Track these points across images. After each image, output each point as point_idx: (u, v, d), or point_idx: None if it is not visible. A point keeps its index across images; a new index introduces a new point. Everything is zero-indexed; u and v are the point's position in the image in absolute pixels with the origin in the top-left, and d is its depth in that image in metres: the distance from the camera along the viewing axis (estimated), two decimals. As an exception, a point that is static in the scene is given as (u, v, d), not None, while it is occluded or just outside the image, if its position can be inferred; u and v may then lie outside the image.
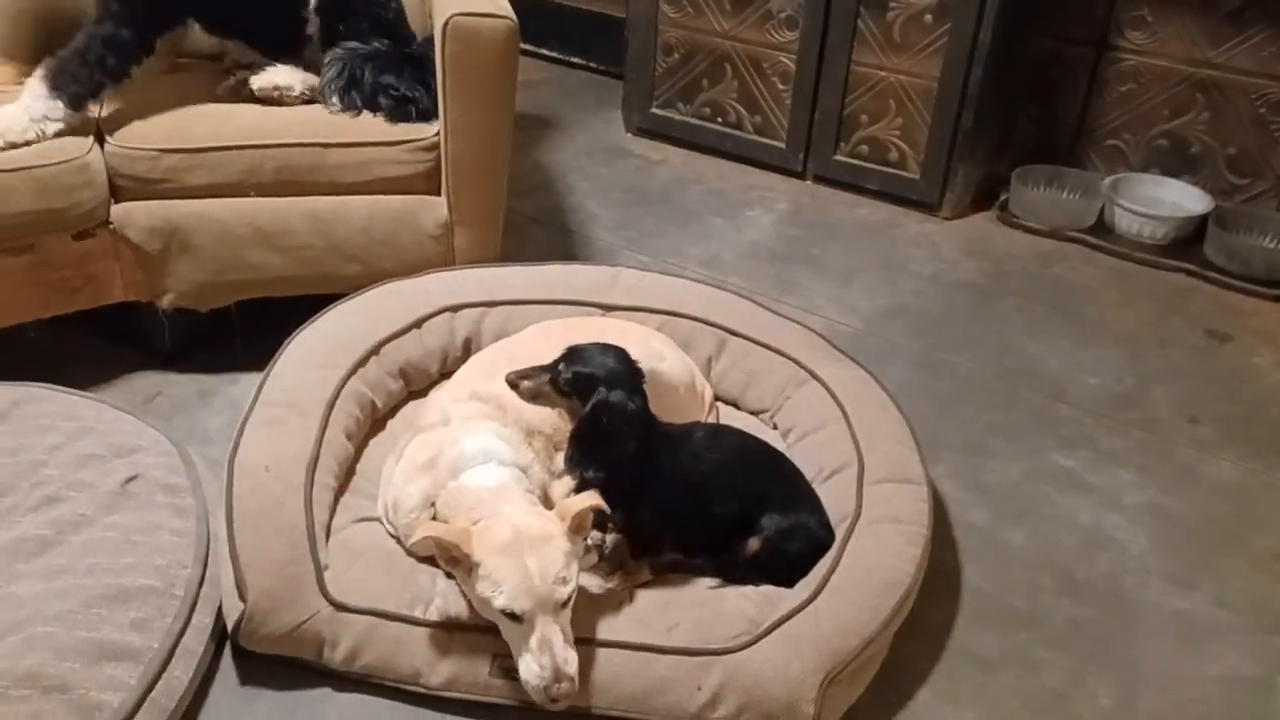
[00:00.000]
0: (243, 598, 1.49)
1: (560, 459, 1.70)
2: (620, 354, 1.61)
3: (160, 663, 1.43)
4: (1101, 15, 3.00)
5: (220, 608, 1.55)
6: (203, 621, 1.52)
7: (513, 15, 1.98)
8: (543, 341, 1.83)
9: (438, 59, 1.99)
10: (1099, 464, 2.12)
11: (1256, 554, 1.93)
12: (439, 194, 2.10)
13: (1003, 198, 3.08)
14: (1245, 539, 1.96)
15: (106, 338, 2.20)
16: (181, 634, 1.48)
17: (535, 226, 2.82)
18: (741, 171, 3.21)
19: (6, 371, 1.93)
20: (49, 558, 1.56)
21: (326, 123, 2.06)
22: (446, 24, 1.94)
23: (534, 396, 1.62)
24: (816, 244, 2.86)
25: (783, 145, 3.16)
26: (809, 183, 3.17)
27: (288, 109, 2.10)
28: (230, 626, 1.51)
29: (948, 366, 2.39)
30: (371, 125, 2.07)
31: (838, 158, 3.10)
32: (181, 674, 1.45)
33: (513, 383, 1.61)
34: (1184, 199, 2.96)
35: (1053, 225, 2.97)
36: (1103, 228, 2.97)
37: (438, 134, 2.05)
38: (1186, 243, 2.89)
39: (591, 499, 1.52)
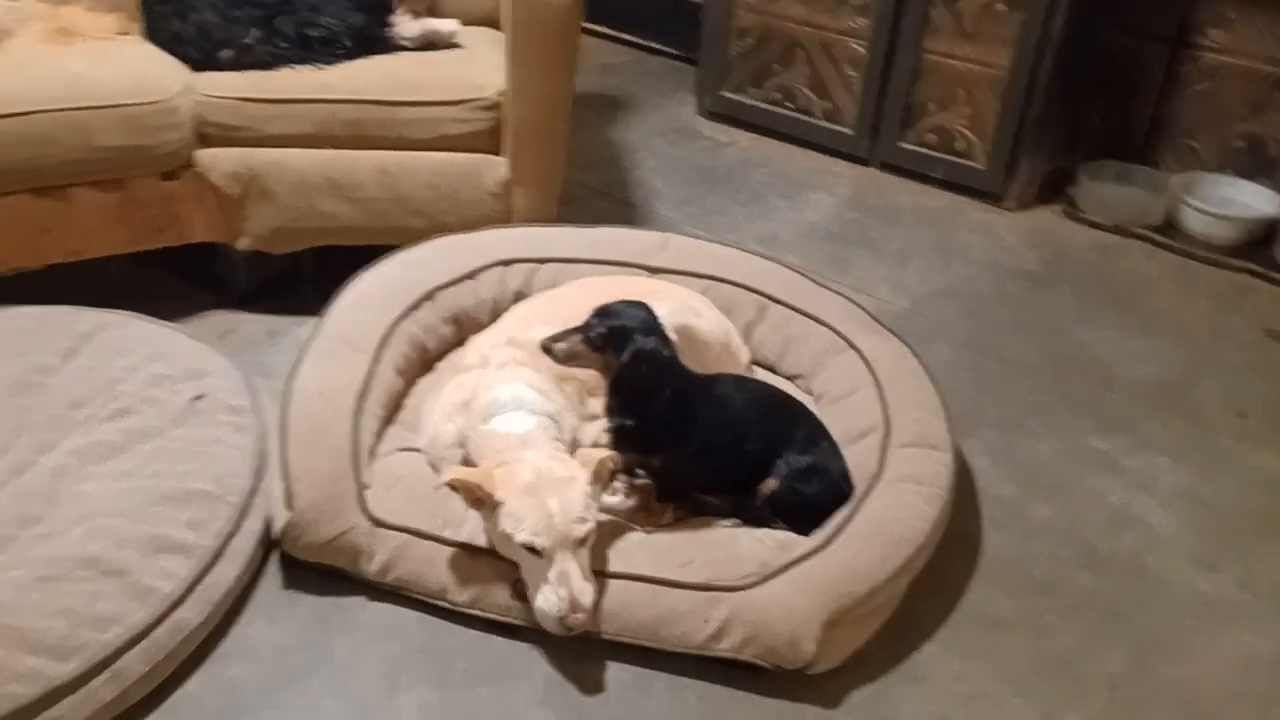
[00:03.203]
0: (290, 507, 1.61)
1: (593, 404, 1.78)
2: (646, 307, 1.67)
3: (210, 559, 1.55)
4: (1181, 11, 2.96)
5: (270, 517, 1.66)
6: (252, 527, 1.64)
7: (577, -18, 2.07)
8: (586, 295, 1.91)
9: (504, 23, 2.09)
10: (1136, 449, 2.12)
11: (1290, 544, 1.92)
12: (500, 154, 2.20)
13: (1069, 191, 3.06)
14: (1278, 528, 1.95)
15: (186, 277, 2.35)
16: (232, 536, 1.60)
17: (598, 198, 2.90)
18: (808, 156, 3.25)
19: (93, 299, 2.08)
20: (118, 462, 1.69)
21: (396, 80, 2.18)
22: (514, -12, 2.04)
23: (569, 358, 1.67)
24: (875, 227, 2.89)
25: (850, 131, 3.20)
26: (874, 169, 3.19)
27: (360, 65, 2.20)
28: (275, 531, 1.63)
29: (994, 348, 2.41)
30: (437, 84, 2.18)
31: (904, 145, 3.12)
32: (230, 571, 1.57)
33: (547, 347, 1.66)
34: (1256, 200, 2.91)
35: (1118, 221, 2.95)
36: (1170, 226, 2.94)
37: (500, 94, 2.15)
38: (1256, 244, 2.84)
39: (611, 451, 1.61)
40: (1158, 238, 2.91)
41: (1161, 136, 3.12)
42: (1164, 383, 2.33)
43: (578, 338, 1.66)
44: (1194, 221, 2.89)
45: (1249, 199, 2.93)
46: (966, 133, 3.02)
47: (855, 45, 3.10)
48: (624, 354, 1.63)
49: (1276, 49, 2.85)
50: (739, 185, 3.07)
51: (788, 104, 3.30)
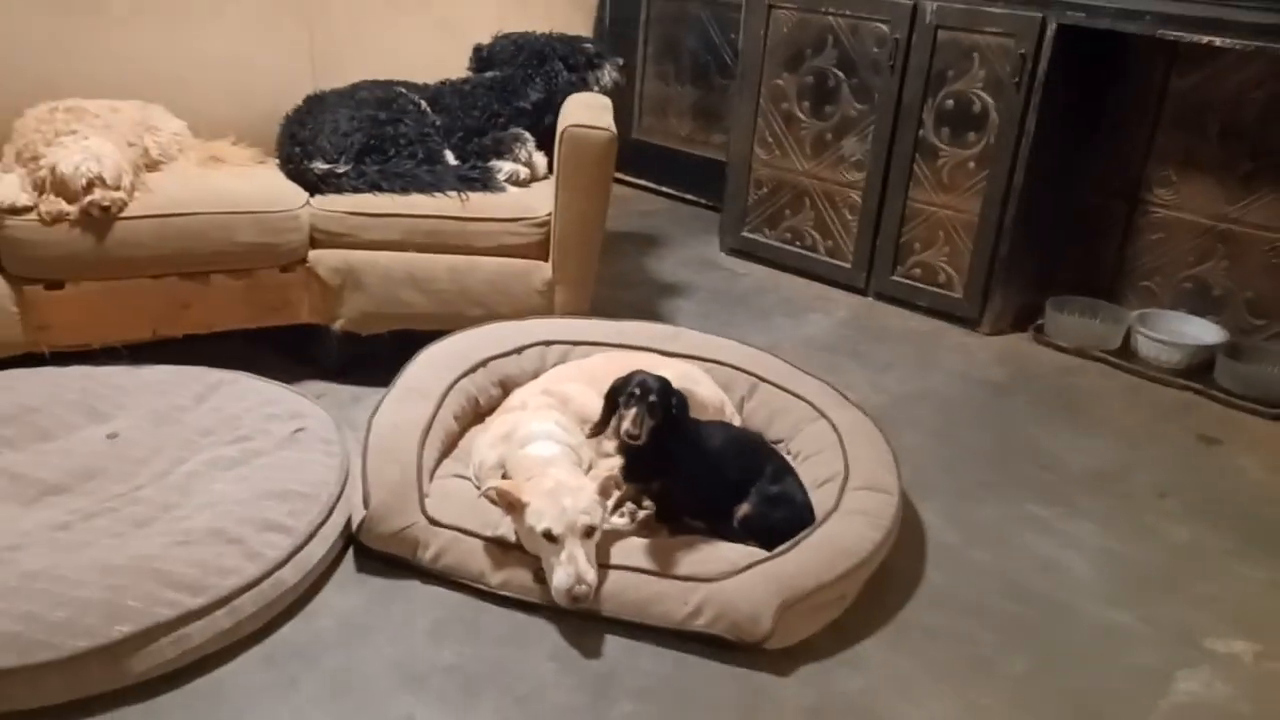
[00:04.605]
0: (366, 505, 2.08)
1: (606, 444, 2.24)
2: (643, 370, 2.12)
3: (305, 538, 2.01)
4: (1134, 174, 3.50)
5: (350, 517, 2.13)
6: (336, 521, 2.10)
7: (613, 128, 2.66)
8: (607, 364, 2.41)
9: (555, 159, 2.67)
10: (1069, 516, 2.51)
11: (1192, 594, 2.27)
12: (546, 260, 2.75)
13: (1039, 322, 3.53)
14: (1186, 584, 2.30)
15: (289, 355, 2.88)
16: (321, 524, 2.06)
17: (629, 310, 3.41)
18: (812, 286, 3.78)
19: (219, 362, 2.62)
20: (237, 471, 2.18)
21: (469, 202, 2.74)
22: (563, 132, 2.63)
23: (644, 428, 2.01)
24: (864, 343, 3.37)
25: (849, 266, 3.73)
26: (870, 298, 3.70)
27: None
28: (355, 526, 2.09)
29: (956, 437, 2.84)
30: (501, 206, 2.75)
31: (894, 278, 3.63)
32: (319, 550, 2.03)
33: (633, 436, 2.00)
34: (1202, 332, 3.35)
35: (1080, 345, 3.40)
36: (1126, 351, 3.38)
37: (549, 214, 2.71)
38: (1200, 369, 3.25)
39: (615, 473, 2.06)
40: (1114, 360, 3.34)
41: (1124, 279, 3.60)
42: (1101, 470, 2.73)
43: (645, 415, 2.00)
44: (1146, 348, 3.33)
45: (1196, 331, 3.36)
46: (947, 268, 3.52)
47: (853, 194, 3.67)
48: (674, 405, 2.07)
49: (1213, 205, 3.35)
50: (751, 307, 3.59)
51: (796, 242, 3.85)
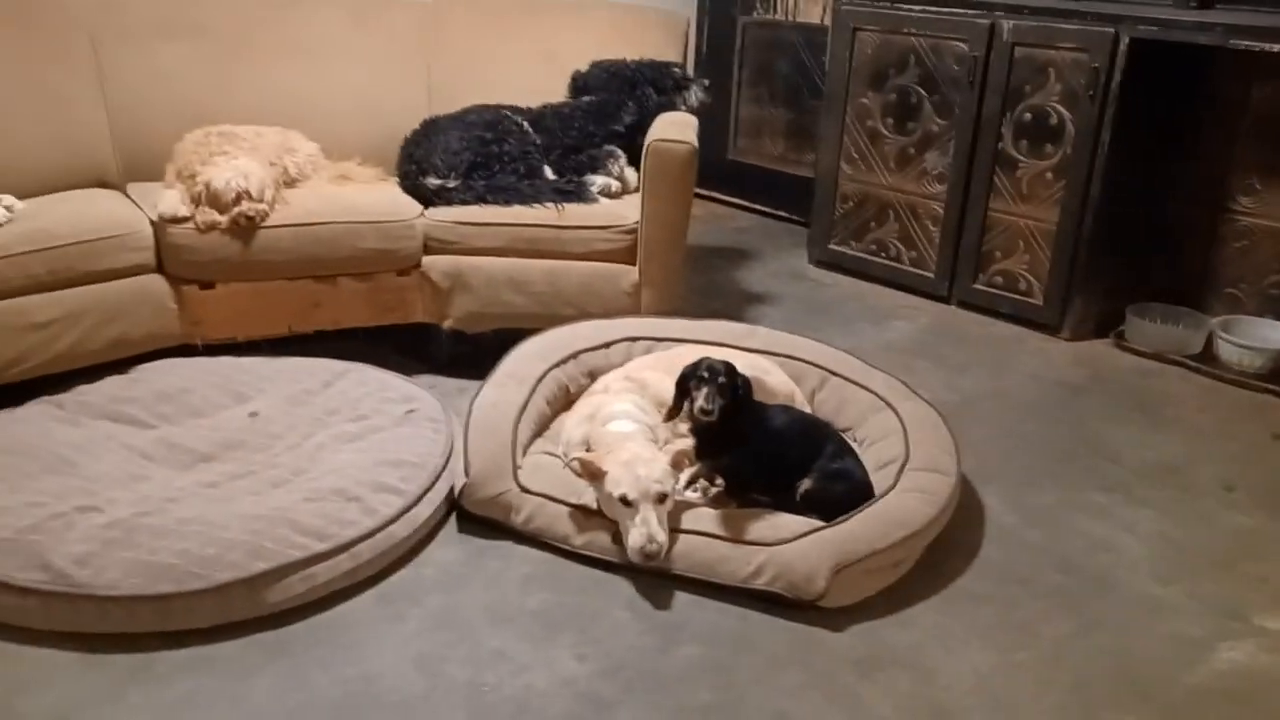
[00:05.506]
0: (467, 473, 2.35)
1: (680, 426, 2.46)
2: (708, 357, 2.34)
3: (414, 500, 2.29)
4: (1217, 182, 3.57)
5: (453, 485, 2.40)
6: (441, 488, 2.38)
7: (694, 142, 2.91)
8: (683, 355, 2.63)
9: (642, 170, 2.93)
10: (1128, 503, 2.62)
11: (1242, 574, 2.36)
12: (634, 264, 3.00)
13: (1120, 328, 3.61)
14: (1236, 565, 2.39)
15: (404, 351, 3.20)
16: (429, 489, 2.34)
17: (717, 316, 3.63)
18: (896, 295, 3.93)
19: (344, 355, 2.95)
20: (357, 444, 2.48)
21: (564, 212, 3.02)
22: (648, 146, 2.89)
23: (715, 406, 2.23)
24: (944, 347, 3.51)
25: (932, 275, 3.88)
26: (953, 306, 3.84)
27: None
28: (456, 492, 2.37)
29: (1025, 433, 2.96)
30: (593, 215, 3.02)
31: (976, 286, 3.77)
32: (425, 510, 2.30)
33: (706, 412, 2.21)
34: (1283, 337, 3.39)
35: (1160, 350, 3.47)
36: (1207, 355, 3.44)
37: (637, 222, 2.97)
38: (1281, 371, 3.30)
39: (684, 448, 2.28)
40: (1193, 364, 3.40)
41: (1208, 286, 3.66)
42: (1167, 464, 2.82)
43: (715, 394, 2.22)
44: (1228, 352, 3.38)
45: (1278, 335, 3.40)
46: (1028, 276, 3.64)
47: (935, 206, 3.82)
48: (739, 385, 2.29)
49: (1296, 211, 3.41)
50: (835, 314, 3.77)
51: (881, 253, 4.02)
